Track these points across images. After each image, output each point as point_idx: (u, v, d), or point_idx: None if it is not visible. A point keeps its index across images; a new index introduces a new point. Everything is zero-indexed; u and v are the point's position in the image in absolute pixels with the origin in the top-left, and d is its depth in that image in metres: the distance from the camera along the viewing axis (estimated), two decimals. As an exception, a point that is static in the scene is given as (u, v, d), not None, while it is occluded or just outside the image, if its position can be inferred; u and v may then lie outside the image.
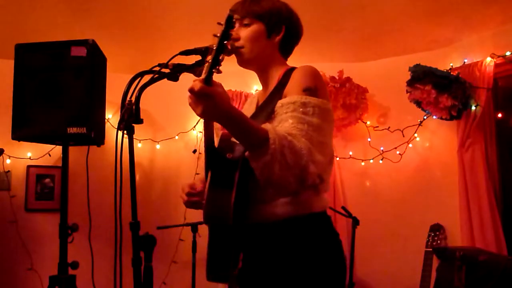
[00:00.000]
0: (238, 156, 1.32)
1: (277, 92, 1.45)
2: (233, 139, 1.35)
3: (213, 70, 1.13)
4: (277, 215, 1.38)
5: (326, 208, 1.46)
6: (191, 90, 1.13)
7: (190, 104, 1.17)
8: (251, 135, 1.21)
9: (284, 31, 1.54)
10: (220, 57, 1.13)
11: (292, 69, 1.50)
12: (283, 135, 1.23)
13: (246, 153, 1.25)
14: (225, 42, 1.11)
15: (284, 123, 1.32)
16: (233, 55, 1.53)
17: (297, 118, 1.31)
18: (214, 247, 1.34)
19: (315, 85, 1.39)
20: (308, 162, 1.25)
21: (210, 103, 1.14)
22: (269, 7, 1.52)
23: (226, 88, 1.76)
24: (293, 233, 1.38)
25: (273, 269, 1.38)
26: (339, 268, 1.42)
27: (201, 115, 1.17)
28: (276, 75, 1.54)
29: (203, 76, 1.14)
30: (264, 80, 1.59)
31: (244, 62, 1.53)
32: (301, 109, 1.32)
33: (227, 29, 1.09)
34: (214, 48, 1.11)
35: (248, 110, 1.63)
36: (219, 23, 1.11)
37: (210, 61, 1.12)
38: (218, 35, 1.10)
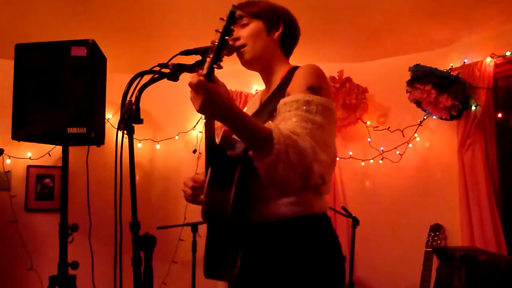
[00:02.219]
0: (239, 154, 1.32)
1: (280, 91, 1.45)
2: (234, 136, 1.35)
3: (214, 66, 1.13)
4: (279, 215, 1.37)
5: (326, 210, 1.46)
6: (189, 84, 1.14)
7: (191, 99, 1.18)
8: (254, 134, 1.20)
9: (282, 27, 1.55)
10: (222, 53, 1.13)
11: (296, 68, 1.50)
12: (287, 134, 1.22)
13: (250, 153, 1.24)
14: (226, 37, 1.10)
15: (288, 122, 1.31)
16: (234, 55, 1.53)
17: (300, 116, 1.30)
18: (212, 244, 1.33)
19: (319, 84, 1.38)
20: (312, 161, 1.25)
21: (208, 98, 1.13)
22: (265, 5, 1.54)
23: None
24: (294, 233, 1.37)
25: (272, 268, 1.38)
26: (338, 269, 1.42)
27: (199, 111, 1.17)
28: (279, 74, 1.54)
29: (203, 71, 1.14)
30: (267, 80, 1.59)
31: (247, 62, 1.53)
32: (304, 107, 1.31)
33: (229, 24, 1.08)
34: (216, 43, 1.11)
35: (251, 110, 1.63)
36: (221, 19, 1.12)
37: (211, 56, 1.12)
38: (220, 30, 1.10)
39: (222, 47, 1.11)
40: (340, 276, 1.41)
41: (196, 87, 1.13)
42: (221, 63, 1.15)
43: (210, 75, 1.14)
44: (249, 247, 1.43)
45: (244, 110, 1.69)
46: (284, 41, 1.57)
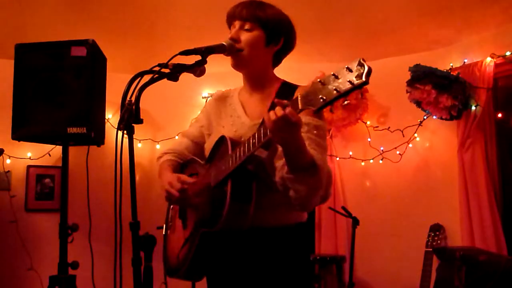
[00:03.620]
0: (256, 168, 1.35)
1: None
2: None
3: (323, 108, 1.09)
4: (274, 222, 1.44)
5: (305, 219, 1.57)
6: (285, 119, 1.11)
7: (272, 127, 1.15)
8: (304, 160, 1.23)
9: (282, 43, 1.55)
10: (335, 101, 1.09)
11: (288, 84, 1.54)
12: (324, 162, 1.29)
13: (289, 175, 1.26)
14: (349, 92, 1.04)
15: None
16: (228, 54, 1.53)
17: (312, 140, 1.36)
18: (206, 249, 1.38)
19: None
20: (330, 185, 1.34)
21: (295, 133, 1.17)
22: (273, 15, 1.52)
23: (223, 88, 1.76)
24: (285, 240, 1.46)
25: (258, 270, 1.44)
26: (308, 271, 1.54)
27: (280, 141, 1.18)
28: (270, 84, 1.55)
29: (300, 106, 1.10)
30: (253, 85, 1.60)
31: (238, 65, 1.53)
32: (315, 132, 1.38)
33: (365, 83, 1.00)
34: (337, 90, 1.01)
35: (227, 110, 1.64)
36: (348, 68, 1.02)
37: (326, 98, 1.04)
38: (351, 84, 1.00)
39: (344, 96, 1.05)
40: (308, 276, 1.55)
41: (292, 124, 1.12)
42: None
43: (301, 111, 1.12)
44: (238, 249, 1.48)
45: (213, 106, 1.70)
46: (278, 55, 1.58)
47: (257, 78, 1.58)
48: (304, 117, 1.38)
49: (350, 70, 1.00)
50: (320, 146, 1.37)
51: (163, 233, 1.78)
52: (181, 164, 1.70)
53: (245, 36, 1.50)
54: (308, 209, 1.35)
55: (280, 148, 1.29)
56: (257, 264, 1.44)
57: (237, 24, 1.52)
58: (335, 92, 1.01)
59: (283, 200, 1.35)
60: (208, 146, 1.58)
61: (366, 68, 0.99)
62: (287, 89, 1.50)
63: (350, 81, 0.99)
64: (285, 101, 1.13)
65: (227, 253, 1.50)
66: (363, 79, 0.98)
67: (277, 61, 1.61)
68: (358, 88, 1.00)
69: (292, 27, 1.59)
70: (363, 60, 1.00)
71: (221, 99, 1.69)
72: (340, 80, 1.01)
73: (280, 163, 1.31)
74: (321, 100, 1.04)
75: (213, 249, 1.49)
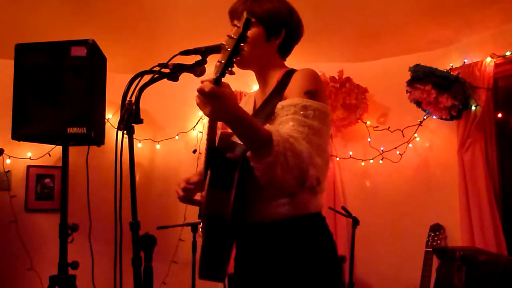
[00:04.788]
0: (238, 156, 1.32)
1: (277, 94, 1.45)
2: (233, 139, 1.35)
3: (226, 71, 1.12)
4: (275, 215, 1.39)
5: (321, 209, 1.47)
6: (200, 91, 1.13)
7: (198, 104, 1.18)
8: (255, 136, 1.21)
9: (283, 34, 1.53)
10: (234, 59, 1.12)
11: (292, 70, 1.50)
12: (285, 137, 1.24)
13: (248, 154, 1.25)
14: (241, 44, 1.09)
15: (285, 125, 1.32)
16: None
17: (297, 120, 1.32)
18: (209, 245, 1.35)
19: (316, 88, 1.40)
20: (308, 165, 1.27)
21: (219, 104, 1.14)
22: (269, 8, 1.50)
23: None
24: (291, 233, 1.39)
25: (269, 268, 1.39)
26: (333, 268, 1.43)
27: (209, 116, 1.18)
28: (274, 75, 1.54)
29: (213, 76, 1.13)
30: (261, 80, 1.59)
31: (242, 64, 1.53)
32: (302, 112, 1.33)
33: (244, 31, 1.07)
34: (229, 49, 1.09)
35: (244, 109, 1.63)
36: (235, 25, 1.11)
37: (223, 61, 1.10)
38: (235, 36, 1.08)
39: (236, 53, 1.09)
40: (335, 274, 1.42)
41: (208, 95, 1.12)
42: (234, 66, 1.15)
43: (220, 80, 1.13)
44: (246, 248, 1.45)
45: None
46: (282, 47, 1.56)
47: (263, 73, 1.57)
48: (293, 99, 1.36)
49: (238, 27, 1.09)
50: (305, 126, 1.31)
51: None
52: None
53: None
54: (279, 188, 1.28)
55: None
56: (263, 261, 1.40)
57: (236, 23, 1.52)
58: (227, 51, 1.08)
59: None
60: None
61: (242, 20, 1.06)
62: (287, 76, 1.48)
63: (233, 37, 1.08)
64: (208, 79, 1.16)
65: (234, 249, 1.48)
66: (240, 29, 1.06)
67: (284, 51, 1.58)
68: (241, 40, 1.07)
69: (294, 15, 1.55)
70: (247, 14, 1.08)
71: (246, 100, 1.71)
72: (232, 40, 1.09)
73: None
74: (221, 64, 1.10)
75: (218, 245, 1.46)
